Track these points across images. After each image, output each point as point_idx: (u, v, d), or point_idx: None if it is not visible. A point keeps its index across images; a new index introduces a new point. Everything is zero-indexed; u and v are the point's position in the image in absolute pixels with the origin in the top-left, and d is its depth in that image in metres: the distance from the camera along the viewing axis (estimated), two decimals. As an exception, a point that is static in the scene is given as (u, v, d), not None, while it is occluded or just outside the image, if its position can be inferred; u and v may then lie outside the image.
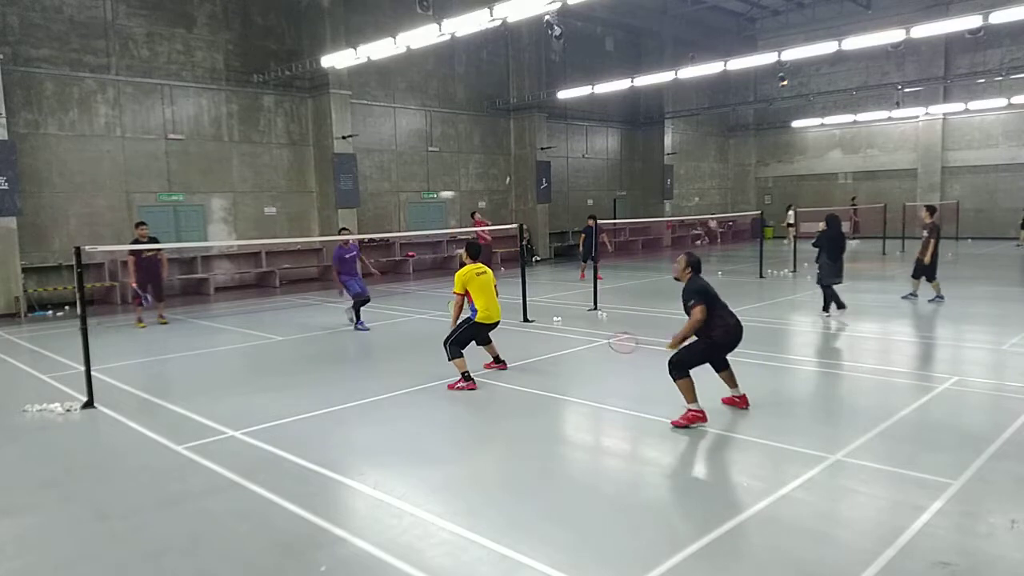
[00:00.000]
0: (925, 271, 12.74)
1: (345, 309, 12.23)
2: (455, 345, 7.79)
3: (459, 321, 7.97)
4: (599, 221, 17.35)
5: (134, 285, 12.57)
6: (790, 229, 27.41)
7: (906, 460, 5.24)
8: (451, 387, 7.65)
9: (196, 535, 4.39)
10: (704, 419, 6.11)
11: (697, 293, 6.24)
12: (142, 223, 12.85)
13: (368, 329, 11.64)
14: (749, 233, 33.93)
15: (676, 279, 6.55)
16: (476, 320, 7.92)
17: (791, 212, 28.70)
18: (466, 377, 7.68)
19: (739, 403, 6.64)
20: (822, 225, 11.70)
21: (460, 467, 5.53)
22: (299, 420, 6.65)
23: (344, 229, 12.97)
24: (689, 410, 6.12)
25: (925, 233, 12.78)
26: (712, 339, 6.27)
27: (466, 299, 8.06)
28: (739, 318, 6.41)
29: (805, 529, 4.26)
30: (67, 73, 15.72)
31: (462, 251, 8.42)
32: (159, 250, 12.60)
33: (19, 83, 14.98)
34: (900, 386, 7.52)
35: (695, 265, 6.47)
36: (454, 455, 5.81)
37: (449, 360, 7.78)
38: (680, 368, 6.18)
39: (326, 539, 4.27)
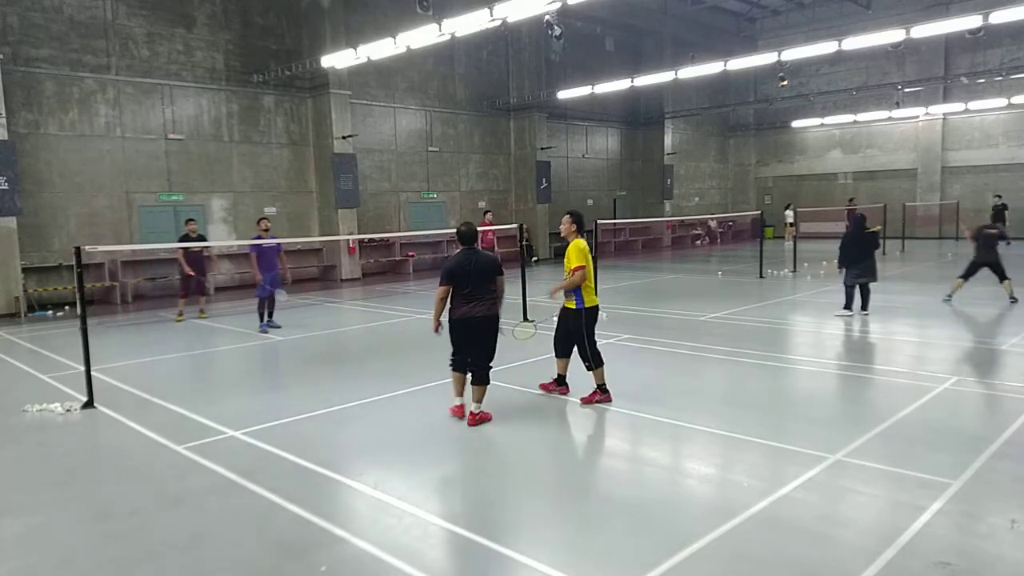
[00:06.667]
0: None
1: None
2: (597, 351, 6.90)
3: (588, 323, 6.82)
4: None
5: (190, 272, 12.85)
6: (790, 229, 27.37)
7: (906, 460, 5.24)
8: (587, 400, 6.94)
9: (196, 535, 4.39)
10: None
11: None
12: (191, 219, 13.49)
13: (267, 332, 11.35)
14: (749, 233, 33.93)
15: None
16: (590, 307, 6.85)
17: (789, 211, 28.64)
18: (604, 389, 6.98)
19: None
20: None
21: (460, 467, 5.52)
22: (299, 420, 6.65)
23: (264, 219, 12.24)
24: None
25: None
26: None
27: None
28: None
29: (805, 529, 4.26)
30: (67, 73, 15.71)
31: (567, 217, 6.93)
32: (207, 247, 13.57)
33: (19, 83, 14.97)
34: (900, 386, 7.51)
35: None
36: (454, 455, 5.81)
37: (593, 370, 6.91)
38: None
39: (326, 539, 4.27)
